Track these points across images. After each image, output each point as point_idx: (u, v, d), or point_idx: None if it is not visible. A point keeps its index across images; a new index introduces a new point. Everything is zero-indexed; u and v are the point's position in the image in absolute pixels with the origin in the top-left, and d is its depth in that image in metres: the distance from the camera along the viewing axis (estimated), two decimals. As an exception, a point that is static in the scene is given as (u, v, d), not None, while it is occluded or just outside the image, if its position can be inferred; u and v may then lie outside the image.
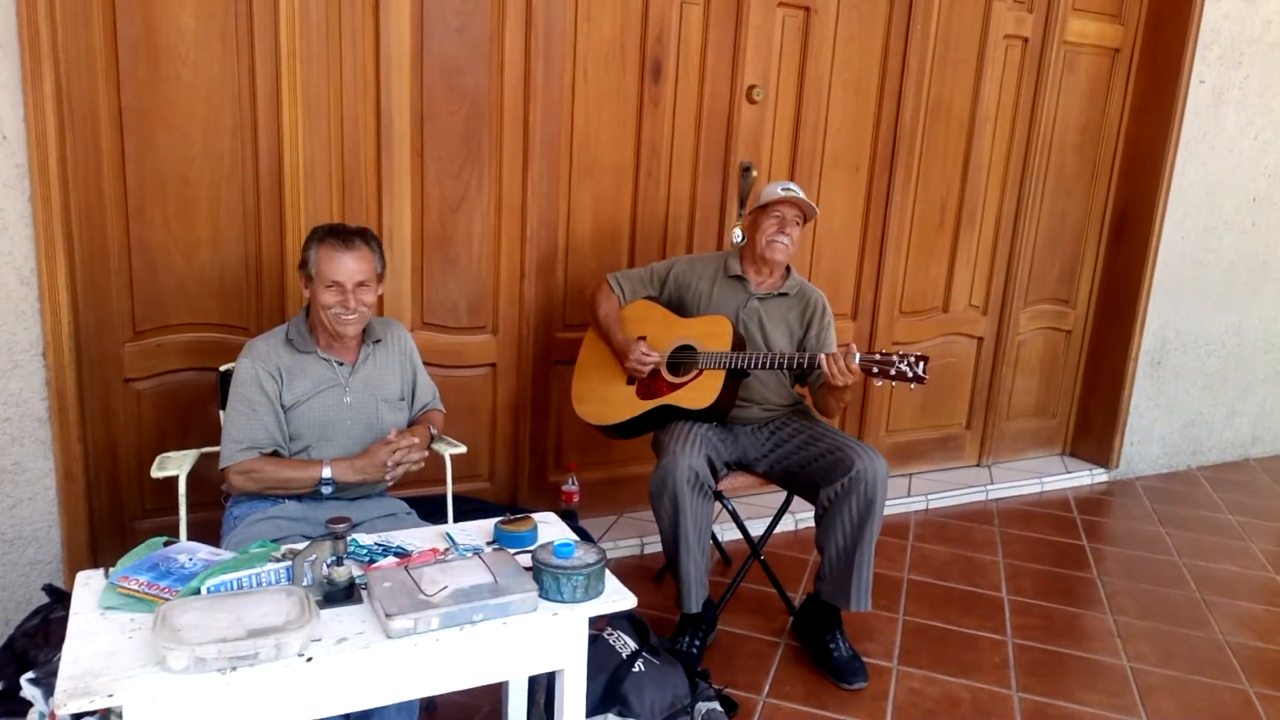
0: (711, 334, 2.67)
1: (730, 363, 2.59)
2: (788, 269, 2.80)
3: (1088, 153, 4.19)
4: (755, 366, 2.59)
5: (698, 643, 2.63)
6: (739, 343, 2.65)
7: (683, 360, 2.70)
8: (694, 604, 2.55)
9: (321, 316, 2.17)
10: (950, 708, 2.50)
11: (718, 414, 2.64)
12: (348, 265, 2.13)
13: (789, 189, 2.67)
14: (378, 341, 2.31)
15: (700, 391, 2.62)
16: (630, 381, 2.75)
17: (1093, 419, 4.50)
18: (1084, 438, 4.55)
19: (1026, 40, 3.88)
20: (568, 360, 2.89)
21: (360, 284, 2.15)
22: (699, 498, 2.50)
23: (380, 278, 2.24)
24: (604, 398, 2.80)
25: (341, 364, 2.24)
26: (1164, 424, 4.53)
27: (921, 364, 2.34)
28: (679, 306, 2.81)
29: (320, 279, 2.14)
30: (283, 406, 2.17)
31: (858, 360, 2.39)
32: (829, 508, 2.54)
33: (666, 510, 2.50)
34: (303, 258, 2.19)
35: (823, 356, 2.44)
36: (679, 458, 2.47)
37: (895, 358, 2.35)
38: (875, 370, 2.38)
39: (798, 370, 2.60)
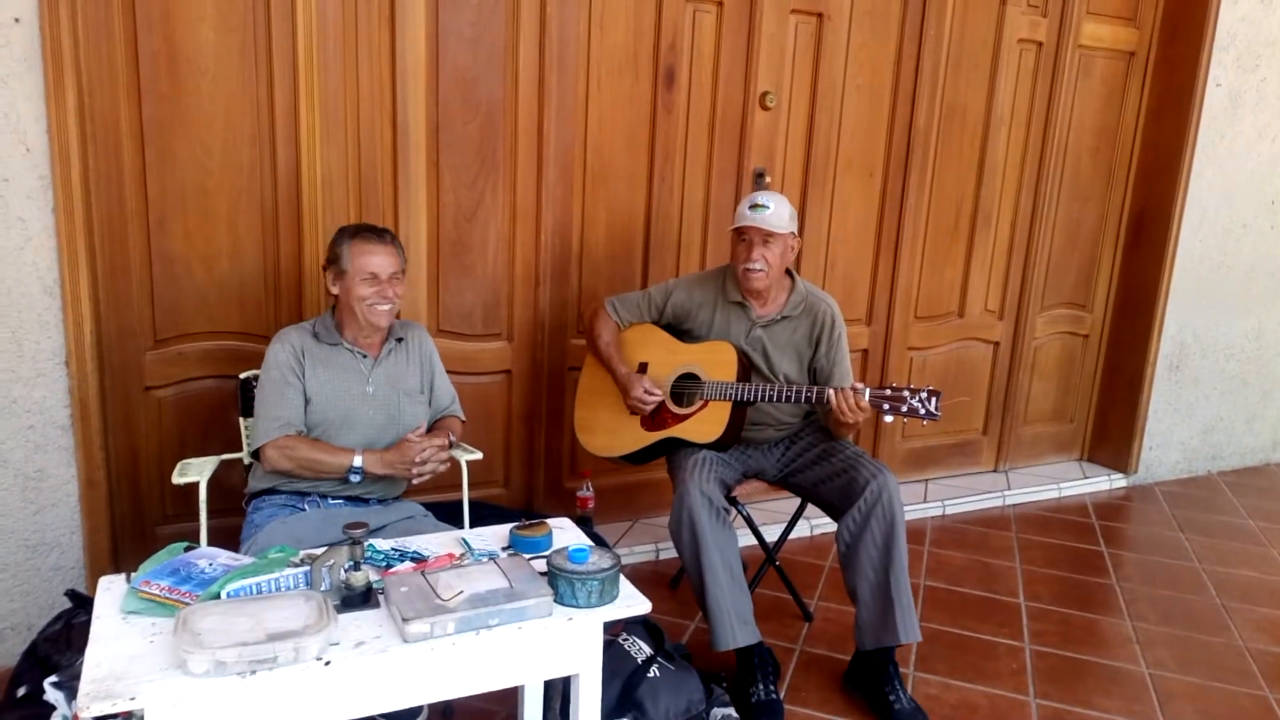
0: (716, 361, 2.59)
1: (735, 395, 2.52)
2: (793, 281, 2.67)
3: (1103, 156, 4.17)
4: (761, 400, 2.52)
5: (772, 689, 2.41)
6: (744, 371, 2.57)
7: (686, 389, 2.64)
8: (729, 639, 2.35)
9: (356, 310, 2.25)
10: (967, 714, 2.49)
11: (725, 446, 2.58)
12: (382, 258, 2.24)
13: (756, 206, 2.52)
14: (400, 340, 2.38)
15: (706, 424, 2.56)
16: (634, 411, 2.70)
17: (1111, 424, 4.47)
18: (1102, 443, 4.53)
19: (1041, 44, 3.87)
20: (582, 367, 2.90)
21: (393, 275, 2.26)
22: (719, 525, 2.39)
23: (403, 273, 2.32)
24: (608, 428, 2.74)
25: (365, 356, 2.31)
26: (1183, 429, 4.50)
27: (934, 400, 2.29)
28: (681, 333, 2.74)
29: (356, 272, 2.23)
30: (304, 394, 2.24)
31: (867, 397, 2.34)
32: (852, 543, 2.45)
33: (687, 542, 2.39)
34: (331, 255, 2.27)
35: (831, 392, 2.39)
36: (690, 486, 2.40)
37: (906, 393, 2.31)
38: (886, 407, 2.33)
39: (806, 404, 2.55)
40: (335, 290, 2.27)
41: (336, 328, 2.31)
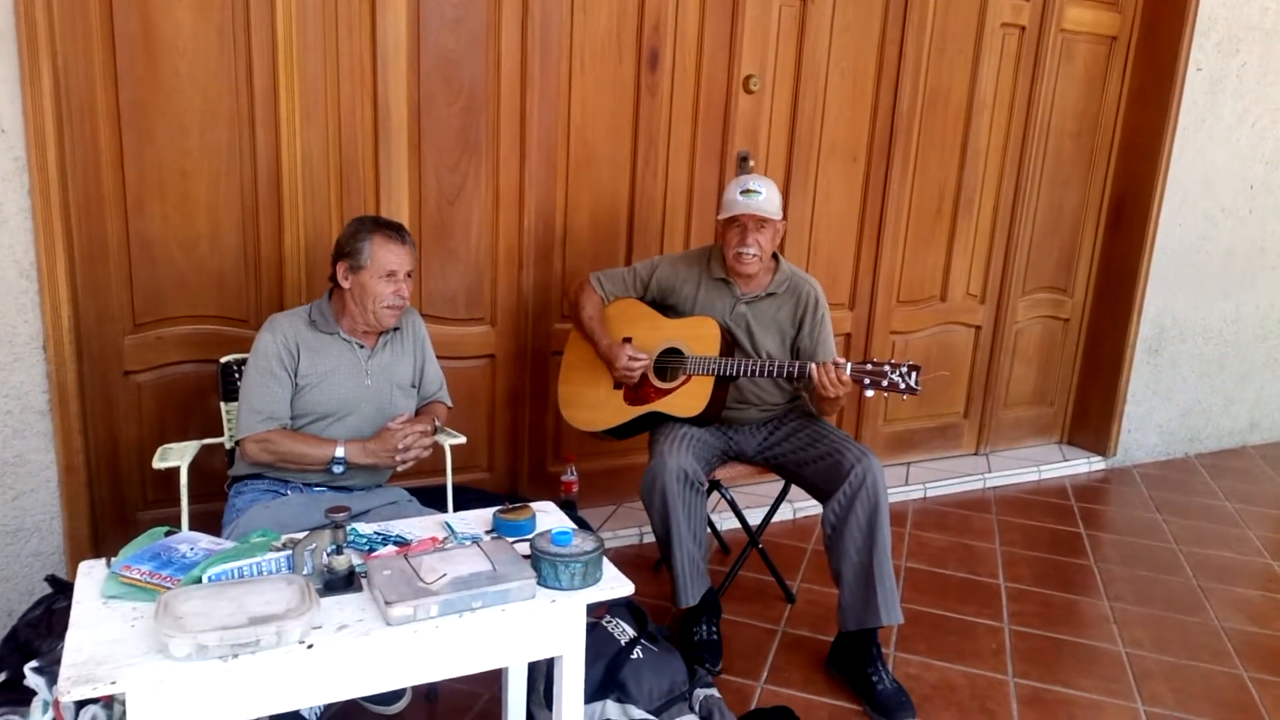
0: (699, 336, 2.60)
1: (718, 369, 2.53)
2: (777, 262, 2.70)
3: (1085, 140, 4.19)
4: (744, 374, 2.53)
5: (714, 629, 2.57)
6: (727, 346, 2.58)
7: (669, 364, 2.64)
8: (689, 598, 2.48)
9: (368, 306, 2.23)
10: (947, 693, 2.52)
11: (707, 421, 2.60)
12: (402, 256, 2.23)
13: (748, 191, 2.53)
14: (396, 329, 2.36)
15: (688, 399, 2.57)
16: (617, 385, 2.70)
17: (1090, 407, 4.51)
18: (1082, 426, 4.57)
19: (1024, 28, 3.87)
20: (565, 346, 2.90)
21: (408, 274, 2.25)
22: (690, 491, 2.45)
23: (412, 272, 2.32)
24: (591, 403, 2.75)
25: (361, 347, 2.29)
26: (1162, 412, 4.55)
27: (914, 374, 2.31)
28: (664, 308, 2.74)
29: (375, 269, 2.21)
30: (296, 383, 2.21)
31: (848, 371, 2.36)
32: (837, 525, 2.48)
33: (657, 507, 2.46)
34: (349, 247, 2.22)
35: (813, 366, 2.41)
36: (667, 459, 2.43)
37: (887, 367, 2.33)
38: (867, 381, 2.35)
39: (788, 379, 2.56)
40: (346, 284, 2.23)
41: (334, 314, 2.28)
